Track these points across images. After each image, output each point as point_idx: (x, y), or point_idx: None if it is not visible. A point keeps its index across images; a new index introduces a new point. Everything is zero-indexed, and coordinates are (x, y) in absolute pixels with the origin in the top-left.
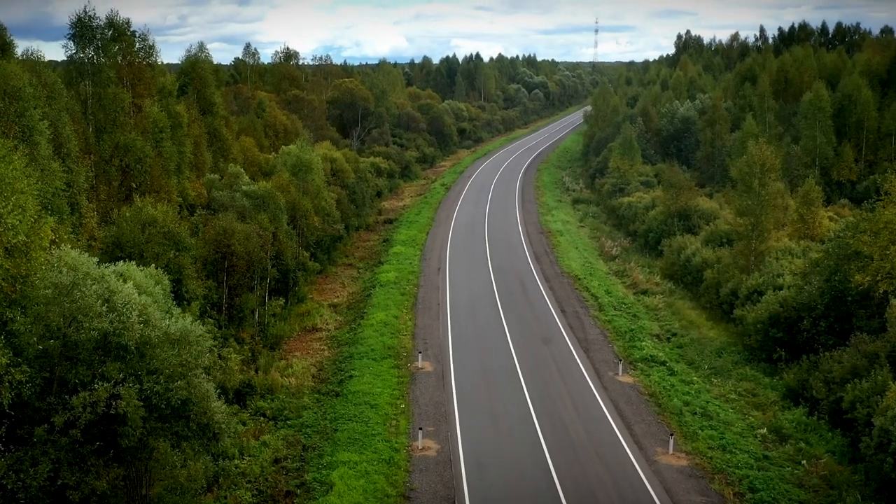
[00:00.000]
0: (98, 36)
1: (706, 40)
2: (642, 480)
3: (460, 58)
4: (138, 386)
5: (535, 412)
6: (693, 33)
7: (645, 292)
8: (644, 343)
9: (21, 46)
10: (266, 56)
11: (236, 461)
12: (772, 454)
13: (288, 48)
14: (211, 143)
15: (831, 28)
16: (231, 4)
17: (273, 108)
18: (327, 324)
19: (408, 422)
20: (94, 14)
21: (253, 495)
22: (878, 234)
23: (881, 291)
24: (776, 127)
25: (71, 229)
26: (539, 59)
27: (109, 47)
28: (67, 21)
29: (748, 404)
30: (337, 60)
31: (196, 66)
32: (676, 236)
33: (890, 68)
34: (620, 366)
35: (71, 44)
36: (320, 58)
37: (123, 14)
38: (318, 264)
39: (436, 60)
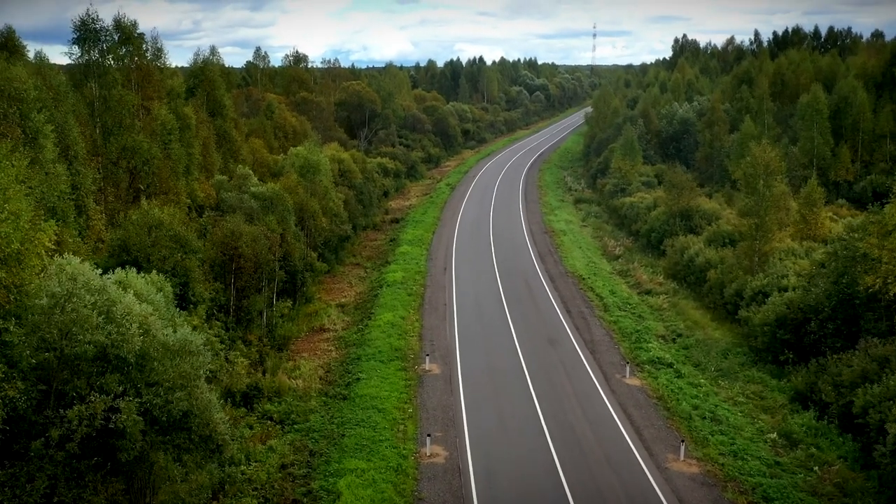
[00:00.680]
0: (103, 38)
1: (702, 44)
2: (654, 489)
3: (464, 61)
4: (137, 399)
5: (543, 417)
6: (689, 38)
7: (649, 292)
8: (650, 344)
9: (46, 52)
10: (276, 59)
11: (242, 467)
12: (783, 460)
13: (298, 52)
14: (220, 145)
15: (823, 32)
16: (244, 10)
17: (282, 109)
18: (335, 324)
19: (416, 427)
20: (97, 17)
21: (259, 503)
22: (889, 236)
23: (891, 294)
24: (774, 128)
25: (77, 232)
26: (540, 62)
27: (116, 49)
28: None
29: (756, 407)
30: (345, 64)
31: (205, 69)
32: (679, 236)
33: (884, 71)
34: (628, 368)
35: (75, 48)
36: (329, 61)
37: (141, 20)
38: (325, 265)
39: (440, 64)
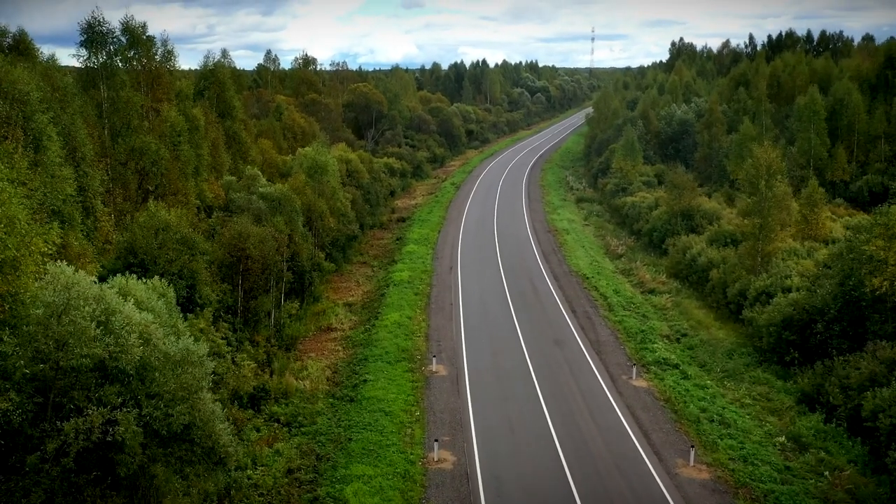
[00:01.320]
0: (110, 40)
1: (698, 47)
2: (665, 496)
3: (467, 64)
4: (137, 411)
5: (551, 420)
6: (685, 41)
7: (652, 291)
8: (655, 345)
9: (63, 54)
10: (287, 62)
11: (249, 472)
12: (793, 465)
13: (307, 55)
14: (229, 146)
15: (816, 36)
16: (256, 14)
17: (291, 111)
18: (342, 323)
19: (423, 431)
20: (103, 19)
21: None
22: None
23: None
24: (772, 130)
25: (84, 234)
26: (540, 65)
27: (125, 52)
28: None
29: (763, 409)
30: (352, 66)
31: (215, 71)
32: (681, 236)
33: (878, 74)
34: (634, 369)
35: (83, 50)
36: (337, 64)
37: (157, 24)
38: (333, 264)
39: (445, 66)
